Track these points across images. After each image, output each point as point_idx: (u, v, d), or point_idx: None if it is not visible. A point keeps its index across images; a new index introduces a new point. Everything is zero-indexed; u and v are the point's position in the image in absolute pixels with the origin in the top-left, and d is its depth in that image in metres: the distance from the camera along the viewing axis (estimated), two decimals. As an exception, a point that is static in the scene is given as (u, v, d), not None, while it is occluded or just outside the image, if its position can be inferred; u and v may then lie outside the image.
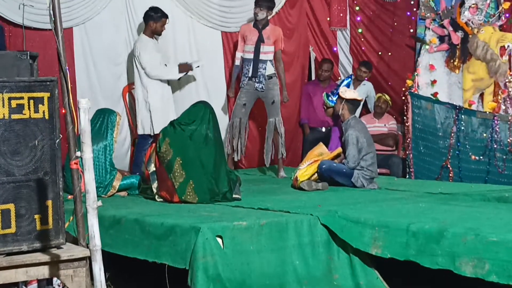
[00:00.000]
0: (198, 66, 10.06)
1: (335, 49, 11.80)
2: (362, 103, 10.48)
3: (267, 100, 9.98)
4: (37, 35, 9.12)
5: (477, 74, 10.78)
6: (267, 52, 9.93)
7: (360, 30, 11.77)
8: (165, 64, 9.66)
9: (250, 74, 9.88)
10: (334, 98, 8.99)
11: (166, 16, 9.62)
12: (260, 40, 9.87)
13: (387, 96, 10.93)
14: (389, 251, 5.99)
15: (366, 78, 11.30)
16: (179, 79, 9.97)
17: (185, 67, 9.76)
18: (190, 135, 7.56)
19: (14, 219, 5.09)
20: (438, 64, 10.90)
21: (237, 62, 10.13)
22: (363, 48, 11.81)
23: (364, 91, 11.19)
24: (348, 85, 9.29)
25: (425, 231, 5.79)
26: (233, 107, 10.28)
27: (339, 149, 8.88)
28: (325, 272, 6.24)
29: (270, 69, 9.92)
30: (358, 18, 11.79)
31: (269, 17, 10.28)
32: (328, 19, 11.75)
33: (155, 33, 9.63)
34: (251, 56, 9.89)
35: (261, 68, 9.86)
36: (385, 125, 10.86)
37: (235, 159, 10.13)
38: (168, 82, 9.75)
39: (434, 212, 6.61)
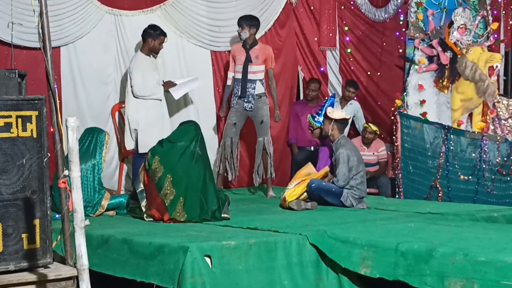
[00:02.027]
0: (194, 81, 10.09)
1: (322, 69, 11.80)
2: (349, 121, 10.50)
3: (256, 120, 9.96)
4: (25, 53, 9.12)
5: (466, 94, 10.82)
6: (256, 71, 9.90)
7: (349, 50, 11.80)
8: (163, 81, 9.67)
9: (239, 94, 9.86)
10: (320, 119, 9.00)
11: (164, 34, 9.66)
12: (247, 60, 9.86)
13: (373, 127, 10.76)
14: (378, 271, 5.98)
15: (354, 98, 11.31)
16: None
17: (168, 85, 9.75)
18: (179, 153, 7.56)
19: (1, 238, 5.07)
20: (427, 84, 10.92)
21: (229, 82, 10.11)
22: (352, 68, 11.84)
23: (351, 110, 11.18)
24: (332, 105, 9.29)
25: (414, 251, 5.79)
26: (223, 127, 10.24)
27: (326, 168, 8.88)
28: (314, 292, 6.23)
29: (259, 89, 9.89)
30: (347, 38, 11.82)
31: (257, 36, 10.27)
32: (316, 39, 11.76)
33: (152, 51, 9.65)
34: (240, 76, 9.89)
35: (250, 88, 9.83)
36: (373, 153, 10.78)
37: (230, 179, 10.09)
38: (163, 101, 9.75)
39: (423, 232, 6.61)
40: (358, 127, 11.32)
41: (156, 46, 9.60)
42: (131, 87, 9.43)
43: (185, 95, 10.34)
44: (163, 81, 9.73)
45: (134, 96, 9.46)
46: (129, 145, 9.58)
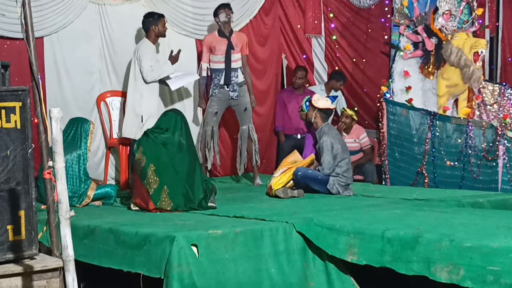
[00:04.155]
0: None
1: (304, 56, 11.78)
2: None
3: (239, 108, 9.95)
4: (8, 44, 9.07)
5: (451, 80, 10.84)
6: (237, 60, 9.92)
7: (334, 37, 11.79)
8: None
9: (222, 83, 9.83)
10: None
11: (163, 16, 9.66)
12: (230, 48, 9.86)
13: (348, 111, 10.69)
14: (365, 257, 5.99)
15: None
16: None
17: (175, 58, 9.74)
18: (163, 143, 7.55)
19: (-14, 230, 5.06)
20: (412, 71, 10.94)
21: (204, 73, 10.05)
22: (338, 55, 11.83)
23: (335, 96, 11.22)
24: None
25: (400, 238, 5.79)
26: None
27: (312, 156, 8.88)
28: (301, 280, 6.23)
29: (240, 77, 9.92)
30: (333, 25, 11.81)
31: (242, 24, 10.29)
32: (299, 26, 11.74)
33: (159, 36, 9.63)
34: (221, 66, 9.85)
35: (234, 76, 9.85)
36: (355, 140, 10.70)
37: (208, 167, 10.08)
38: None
39: (409, 219, 6.62)
40: (339, 112, 11.28)
41: (161, 30, 9.58)
42: (141, 73, 9.41)
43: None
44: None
45: (145, 82, 9.43)
46: (129, 133, 9.51)
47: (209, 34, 10.17)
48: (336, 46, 11.83)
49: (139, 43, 9.63)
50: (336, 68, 11.73)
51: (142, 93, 9.44)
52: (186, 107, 10.40)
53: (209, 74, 10.01)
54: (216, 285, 5.83)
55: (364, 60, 11.76)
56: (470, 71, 10.67)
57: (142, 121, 9.37)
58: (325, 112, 8.93)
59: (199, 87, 10.23)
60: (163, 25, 9.60)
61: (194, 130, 10.16)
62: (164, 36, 9.69)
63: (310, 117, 8.90)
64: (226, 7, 9.96)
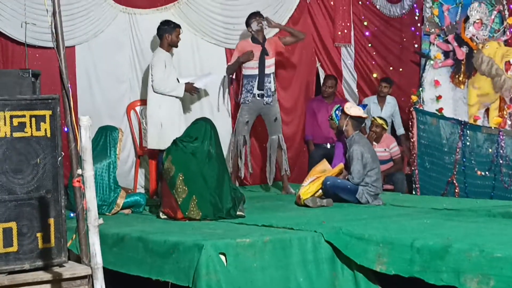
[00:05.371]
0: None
1: (339, 64, 11.79)
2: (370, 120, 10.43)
3: (269, 118, 9.98)
4: (39, 53, 9.13)
5: (482, 89, 10.76)
6: (270, 65, 9.99)
7: (370, 45, 11.77)
8: (177, 79, 9.65)
9: (255, 90, 9.87)
10: (340, 114, 8.97)
11: (178, 26, 9.70)
12: (264, 53, 9.89)
13: (379, 120, 10.56)
14: (394, 267, 5.97)
15: (389, 93, 11.24)
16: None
17: (190, 87, 9.77)
18: (192, 152, 7.56)
19: (16, 238, 5.09)
20: (443, 80, 10.88)
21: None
22: (368, 64, 11.81)
23: (390, 110, 11.16)
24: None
25: (429, 247, 5.77)
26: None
27: (341, 165, 8.85)
28: (329, 289, 6.22)
29: (273, 84, 9.97)
30: (367, 33, 11.79)
31: (272, 33, 10.36)
32: (340, 33, 11.71)
33: (171, 45, 9.66)
34: (254, 71, 9.90)
35: (267, 82, 9.89)
36: (385, 149, 10.62)
37: (242, 176, 10.10)
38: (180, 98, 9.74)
39: (439, 228, 6.59)
40: (397, 123, 11.26)
41: (174, 40, 9.62)
42: (152, 81, 9.45)
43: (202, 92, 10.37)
44: (177, 79, 9.71)
45: (154, 91, 9.46)
46: (151, 144, 9.53)
47: (243, 40, 10.22)
48: (367, 55, 11.78)
49: (154, 52, 9.70)
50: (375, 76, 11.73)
51: (160, 103, 9.48)
52: (215, 115, 10.40)
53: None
54: (244, 293, 5.85)
55: (398, 70, 11.73)
56: (502, 80, 10.59)
57: (160, 130, 9.39)
58: (357, 120, 8.89)
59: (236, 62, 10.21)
60: (177, 35, 9.63)
61: (224, 139, 10.18)
62: (176, 46, 9.71)
63: (342, 125, 8.87)
64: (256, 15, 10.03)
